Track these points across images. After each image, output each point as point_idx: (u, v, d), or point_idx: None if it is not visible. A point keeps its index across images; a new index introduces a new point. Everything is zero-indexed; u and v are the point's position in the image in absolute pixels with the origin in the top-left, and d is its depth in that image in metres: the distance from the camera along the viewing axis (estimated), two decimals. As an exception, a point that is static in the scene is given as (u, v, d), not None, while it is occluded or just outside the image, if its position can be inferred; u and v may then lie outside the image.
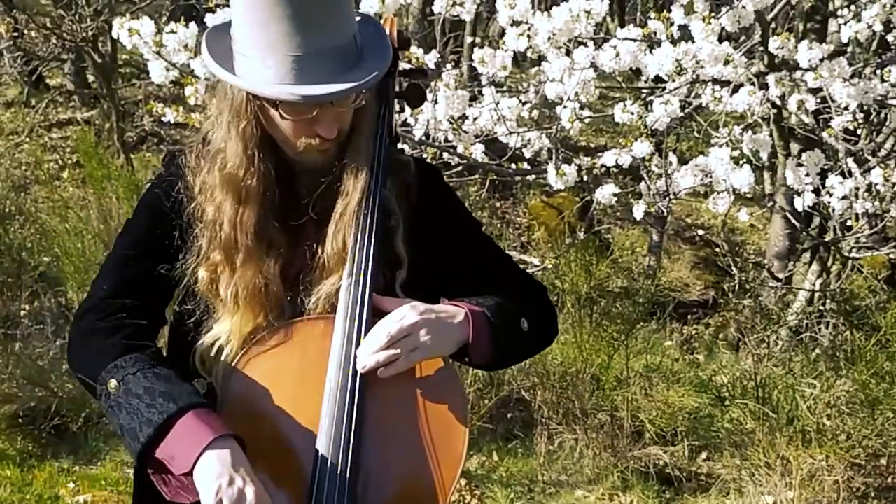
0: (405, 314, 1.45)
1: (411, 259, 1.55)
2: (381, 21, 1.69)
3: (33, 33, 7.03)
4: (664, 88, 3.76)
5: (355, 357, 1.44)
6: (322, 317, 1.50)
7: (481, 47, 3.20)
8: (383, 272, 1.52)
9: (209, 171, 1.54)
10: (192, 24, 3.31)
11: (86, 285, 4.84)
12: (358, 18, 1.53)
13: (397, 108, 1.72)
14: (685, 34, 3.58)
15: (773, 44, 3.76)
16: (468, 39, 8.79)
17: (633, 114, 3.67)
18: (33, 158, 7.66)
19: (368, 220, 1.50)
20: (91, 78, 9.02)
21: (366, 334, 1.45)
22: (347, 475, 1.40)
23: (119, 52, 8.82)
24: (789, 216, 5.28)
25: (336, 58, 1.43)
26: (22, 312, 5.12)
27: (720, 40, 3.31)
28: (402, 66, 1.71)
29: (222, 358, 1.51)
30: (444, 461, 1.45)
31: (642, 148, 3.83)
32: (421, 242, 1.57)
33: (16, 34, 7.46)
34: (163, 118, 5.41)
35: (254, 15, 1.41)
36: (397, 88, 1.67)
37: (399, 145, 1.83)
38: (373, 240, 1.50)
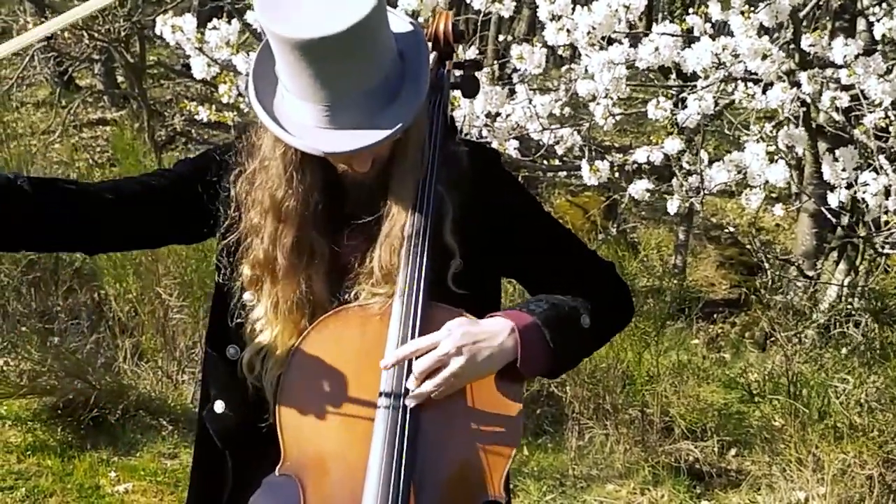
0: (441, 340, 1.43)
1: (464, 249, 1.53)
2: (436, 16, 1.69)
3: (66, 34, 7.12)
4: (693, 85, 3.79)
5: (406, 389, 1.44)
6: (379, 305, 1.50)
7: (519, 44, 3.24)
8: (433, 266, 1.51)
9: (252, 179, 1.56)
10: (234, 21, 3.38)
11: (121, 280, 4.92)
12: (402, 29, 1.51)
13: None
14: (718, 29, 3.62)
15: (806, 41, 3.79)
16: (500, 38, 8.85)
17: (665, 110, 3.71)
18: (65, 157, 7.75)
19: (420, 238, 1.49)
20: (120, 78, 9.13)
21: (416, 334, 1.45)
22: (402, 476, 1.41)
23: (147, 52, 8.94)
24: (823, 211, 5.28)
25: (368, 100, 1.41)
26: (56, 308, 5.19)
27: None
28: (456, 58, 1.70)
29: (269, 367, 1.54)
30: (499, 447, 1.46)
31: (673, 144, 3.87)
32: (477, 232, 1.55)
33: (49, 36, 7.57)
34: (195, 117, 5.52)
35: (284, 61, 1.41)
36: (452, 79, 1.67)
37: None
38: (425, 258, 1.48)
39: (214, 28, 3.34)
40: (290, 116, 1.44)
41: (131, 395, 4.38)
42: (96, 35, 6.79)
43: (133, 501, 3.74)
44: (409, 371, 1.44)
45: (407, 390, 1.43)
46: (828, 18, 7.22)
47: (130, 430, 4.26)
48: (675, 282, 6.73)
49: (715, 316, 7.05)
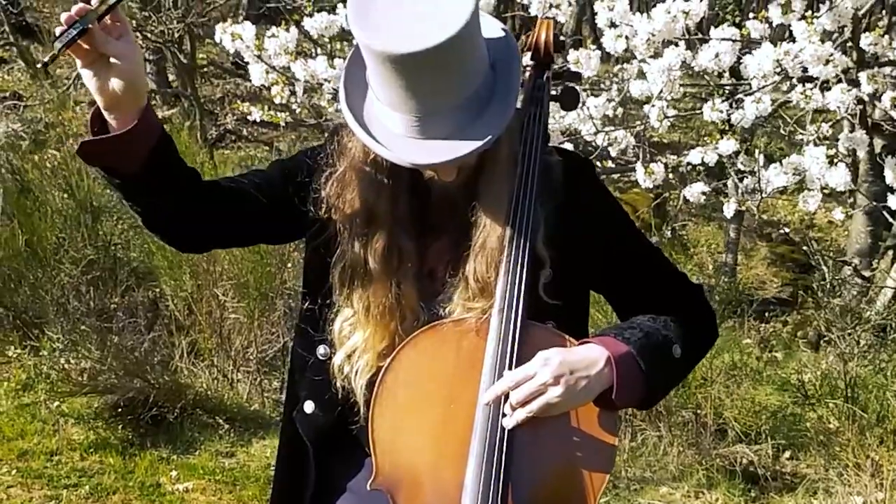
0: (538, 371, 1.41)
1: (555, 259, 1.51)
2: (538, 25, 1.67)
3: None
4: (749, 85, 3.76)
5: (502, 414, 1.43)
6: (474, 320, 1.49)
7: (576, 49, 3.23)
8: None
9: (342, 181, 1.56)
10: (293, 29, 3.41)
11: (177, 279, 5.00)
12: (494, 34, 1.49)
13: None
14: (776, 33, 3.57)
15: (865, 40, 3.73)
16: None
17: (721, 111, 3.67)
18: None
19: (519, 250, 1.47)
20: (172, 77, 9.26)
21: (513, 364, 1.44)
22: (499, 498, 1.41)
23: (197, 50, 9.05)
24: (879, 209, 5.19)
25: (458, 111, 1.40)
26: (114, 305, 5.29)
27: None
28: (556, 68, 1.68)
29: (359, 369, 1.54)
30: (592, 473, 1.45)
31: (728, 145, 3.84)
32: (568, 242, 1.52)
33: None
34: (248, 117, 5.58)
35: (374, 71, 1.40)
36: (551, 92, 1.65)
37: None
38: (524, 274, 1.46)
39: (273, 36, 3.38)
40: (380, 122, 1.43)
41: (188, 393, 4.46)
42: (150, 36, 6.90)
43: (193, 500, 3.81)
44: (507, 396, 1.43)
45: (504, 414, 1.43)
46: (883, 12, 7.11)
47: (188, 429, 4.34)
48: (726, 280, 6.68)
49: (767, 314, 6.99)
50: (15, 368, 4.75)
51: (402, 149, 1.41)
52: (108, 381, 4.45)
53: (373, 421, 1.49)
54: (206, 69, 9.73)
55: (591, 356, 1.43)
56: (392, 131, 1.42)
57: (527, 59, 1.65)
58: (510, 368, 1.43)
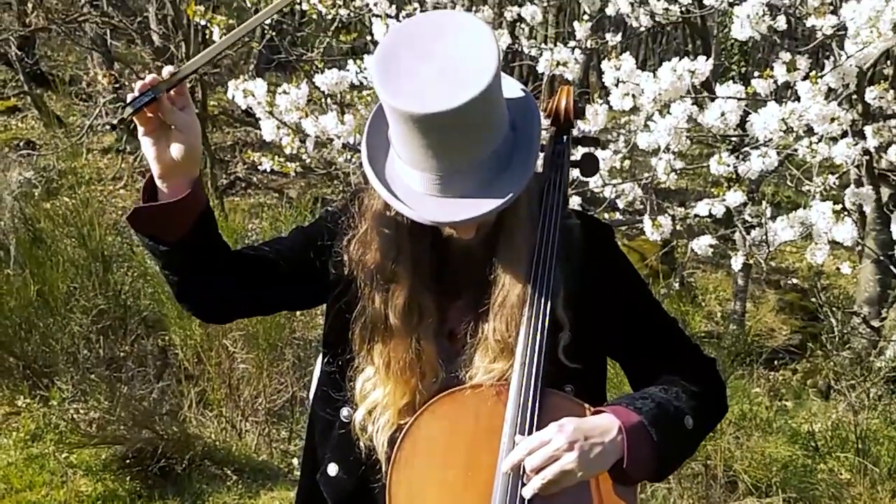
0: (552, 437, 1.41)
1: (574, 323, 1.52)
2: (558, 92, 1.70)
3: (134, 85, 7.34)
4: (756, 139, 3.79)
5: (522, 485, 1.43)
6: (493, 386, 1.51)
7: (581, 101, 3.27)
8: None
9: (365, 240, 1.57)
10: (304, 85, 3.46)
11: (187, 328, 5.02)
12: (514, 94, 1.51)
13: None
14: (781, 90, 3.61)
15: (870, 94, 3.77)
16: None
17: (728, 165, 3.70)
18: (130, 203, 7.96)
19: (539, 312, 1.49)
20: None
21: (532, 430, 1.45)
22: None
23: (208, 97, 9.15)
24: (885, 262, 5.21)
25: (479, 170, 1.41)
26: (123, 353, 5.31)
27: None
28: (576, 133, 1.71)
29: (380, 426, 1.55)
30: None
31: (735, 197, 3.85)
32: (586, 306, 1.54)
33: (116, 85, 7.83)
34: (259, 166, 5.63)
35: (397, 130, 1.42)
36: (571, 158, 1.67)
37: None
38: (544, 337, 1.48)
39: (284, 92, 3.43)
40: (401, 180, 1.45)
41: (197, 444, 4.45)
42: (162, 86, 6.98)
43: (201, 553, 3.80)
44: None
45: (523, 483, 1.43)
46: (888, 62, 7.17)
47: (196, 480, 4.33)
48: (735, 328, 6.68)
49: (776, 362, 6.96)
50: (24, 419, 4.76)
51: (422, 207, 1.43)
52: (117, 431, 4.45)
53: (391, 487, 1.50)
54: (217, 117, 9.84)
55: (603, 424, 1.44)
56: (413, 189, 1.44)
57: (546, 123, 1.67)
58: (529, 430, 1.44)
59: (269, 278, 1.60)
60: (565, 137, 1.65)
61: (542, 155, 1.65)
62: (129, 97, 1.38)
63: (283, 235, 1.72)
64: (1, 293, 4.96)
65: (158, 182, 1.43)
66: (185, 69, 1.43)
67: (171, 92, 1.40)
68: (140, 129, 1.40)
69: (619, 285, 1.61)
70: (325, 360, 1.67)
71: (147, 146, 1.41)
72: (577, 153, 1.74)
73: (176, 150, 1.40)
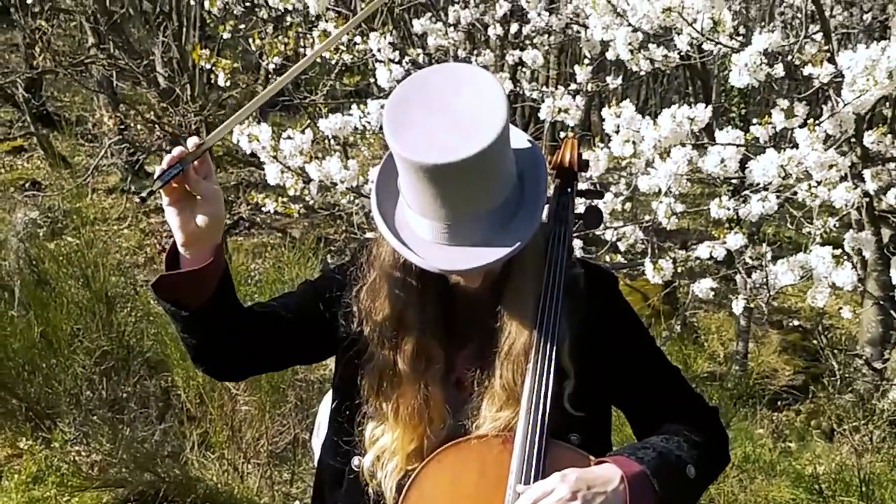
0: (555, 487, 1.42)
1: (578, 371, 1.54)
2: (563, 145, 1.73)
3: (139, 126, 7.43)
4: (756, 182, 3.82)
5: None
6: (499, 436, 1.52)
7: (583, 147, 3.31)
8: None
9: (373, 289, 1.60)
10: (308, 131, 3.51)
11: (190, 370, 5.01)
12: (521, 145, 1.54)
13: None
14: (779, 136, 3.65)
15: (868, 138, 3.80)
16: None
17: (728, 209, 3.73)
18: (134, 242, 8.00)
19: (544, 360, 1.50)
20: (187, 165, 9.41)
21: (537, 478, 1.45)
22: None
23: (213, 139, 9.21)
24: (886, 305, 5.21)
25: (487, 219, 1.44)
26: (125, 394, 5.30)
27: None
28: (581, 186, 1.73)
29: (389, 471, 1.57)
30: None
31: (736, 240, 3.88)
32: (590, 355, 1.56)
33: (122, 126, 7.91)
34: (263, 208, 5.66)
35: (406, 179, 1.44)
36: (575, 211, 1.69)
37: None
38: (550, 385, 1.49)
39: (289, 137, 3.47)
40: (410, 228, 1.48)
41: (199, 487, 4.44)
42: (167, 127, 7.07)
43: None
44: None
45: None
46: (887, 103, 7.22)
47: (198, 524, 4.31)
48: (738, 369, 6.67)
49: (780, 403, 6.94)
50: (26, 461, 4.75)
51: (430, 255, 1.45)
52: (119, 474, 4.44)
53: None
54: (221, 157, 9.91)
55: (606, 474, 1.45)
56: (421, 237, 1.47)
57: (551, 173, 1.70)
58: (534, 479, 1.45)
59: (280, 337, 1.63)
60: (570, 189, 1.68)
61: (546, 207, 1.68)
62: (157, 170, 1.40)
63: (293, 291, 1.74)
64: (5, 334, 4.97)
65: (181, 249, 1.45)
66: (210, 139, 1.45)
67: (195, 162, 1.42)
68: (165, 200, 1.41)
69: (622, 335, 1.63)
70: (335, 407, 1.69)
71: (171, 216, 1.43)
72: (581, 206, 1.76)
73: (201, 219, 1.42)
